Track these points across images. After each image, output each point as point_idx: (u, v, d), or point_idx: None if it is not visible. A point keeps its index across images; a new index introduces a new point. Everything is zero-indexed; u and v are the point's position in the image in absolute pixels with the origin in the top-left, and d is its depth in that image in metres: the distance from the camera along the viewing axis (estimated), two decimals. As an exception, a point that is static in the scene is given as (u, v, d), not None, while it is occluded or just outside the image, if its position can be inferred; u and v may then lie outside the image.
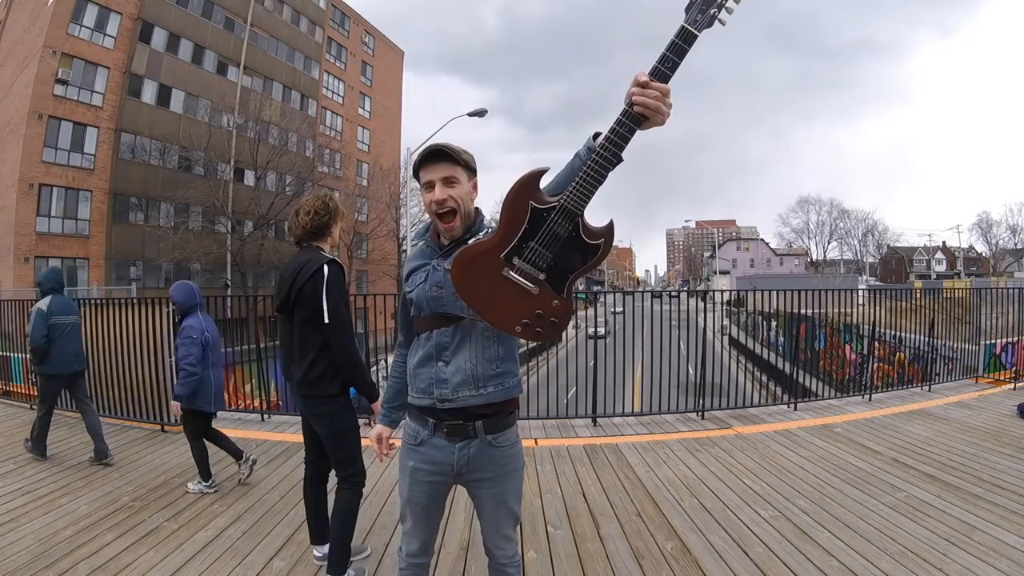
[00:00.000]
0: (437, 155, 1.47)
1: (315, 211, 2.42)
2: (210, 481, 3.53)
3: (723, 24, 1.20)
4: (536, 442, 4.49)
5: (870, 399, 5.83)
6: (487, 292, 1.34)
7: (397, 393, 1.73)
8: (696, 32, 1.18)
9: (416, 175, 1.53)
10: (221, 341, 3.88)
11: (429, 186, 1.48)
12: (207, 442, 3.65)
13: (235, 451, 3.67)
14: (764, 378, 15.88)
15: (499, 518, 1.62)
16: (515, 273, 1.32)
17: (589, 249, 1.31)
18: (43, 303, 4.18)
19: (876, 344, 7.66)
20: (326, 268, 2.30)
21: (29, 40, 20.61)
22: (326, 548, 2.48)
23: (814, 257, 55.85)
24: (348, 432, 2.42)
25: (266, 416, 5.36)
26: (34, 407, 5.65)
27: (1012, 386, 6.29)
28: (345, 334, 2.31)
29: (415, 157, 1.53)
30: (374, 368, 6.50)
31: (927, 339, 6.76)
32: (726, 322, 23.69)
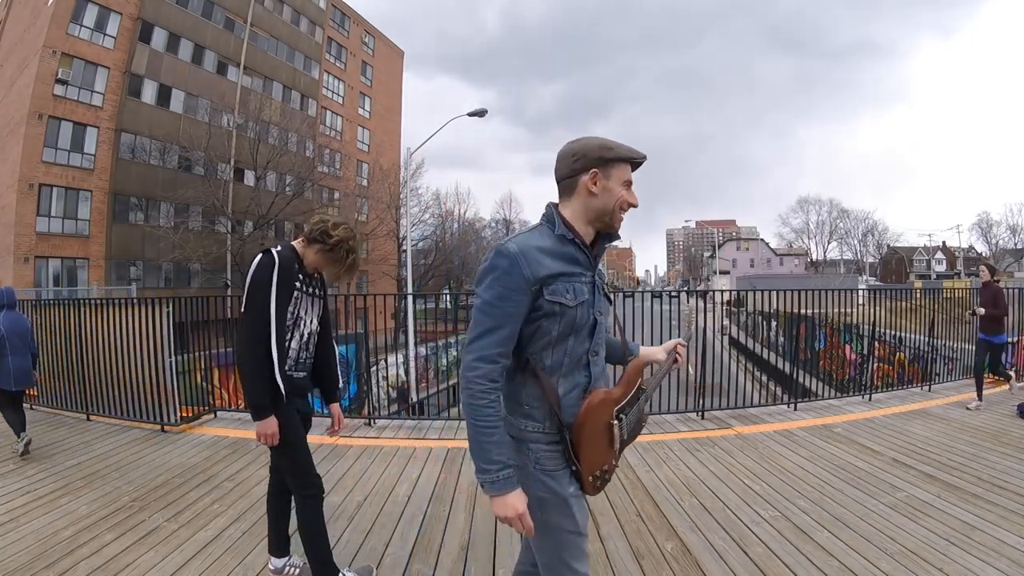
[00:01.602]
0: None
1: (327, 228, 2.22)
2: (22, 435, 4.28)
3: None
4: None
5: (870, 399, 5.83)
6: (599, 433, 1.42)
7: (509, 441, 1.40)
8: None
9: (606, 162, 1.40)
10: (29, 333, 4.63)
11: (628, 185, 1.44)
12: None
13: (22, 425, 4.35)
14: (764, 378, 15.89)
15: None
16: (617, 428, 1.43)
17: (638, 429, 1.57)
18: None
19: (876, 344, 7.66)
20: (257, 257, 2.16)
21: (29, 40, 20.60)
22: (281, 562, 2.43)
23: (814, 257, 55.89)
24: (286, 445, 2.20)
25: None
26: (34, 407, 5.67)
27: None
28: (243, 332, 2.11)
29: (624, 154, 1.43)
30: (373, 368, 6.47)
31: (927, 339, 6.76)
32: (726, 322, 23.71)
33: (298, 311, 2.25)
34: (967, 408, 5.35)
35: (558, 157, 1.46)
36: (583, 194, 1.42)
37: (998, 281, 5.91)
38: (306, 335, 2.31)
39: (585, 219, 1.43)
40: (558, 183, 1.47)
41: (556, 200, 1.49)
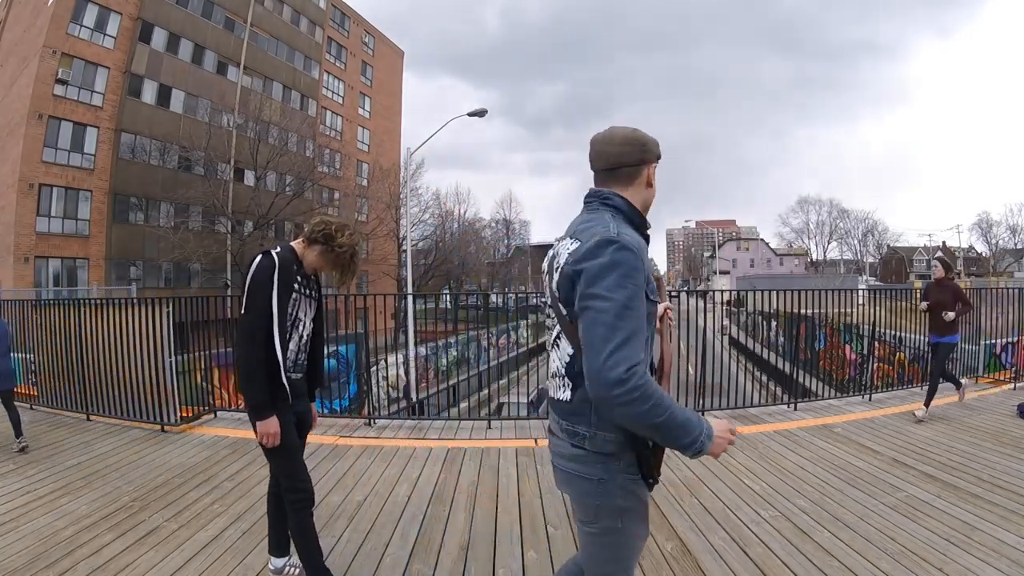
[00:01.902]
0: None
1: (330, 231, 2.22)
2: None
3: None
4: (536, 442, 4.48)
5: (870, 399, 5.83)
6: None
7: None
8: None
9: (657, 158, 1.44)
10: (6, 336, 4.70)
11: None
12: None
13: (17, 428, 4.44)
14: (764, 378, 15.90)
15: None
16: None
17: None
18: None
19: (876, 344, 7.66)
20: (257, 259, 2.15)
21: (29, 40, 20.60)
22: (281, 562, 2.43)
23: (814, 257, 55.86)
24: (282, 448, 2.22)
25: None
26: (34, 407, 5.67)
27: (1012, 386, 6.29)
28: (244, 334, 2.11)
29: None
30: (373, 368, 6.47)
31: (927, 339, 6.75)
32: (726, 322, 23.73)
33: (297, 312, 2.25)
34: (914, 414, 5.05)
35: (617, 141, 1.39)
36: (643, 185, 1.39)
37: (952, 278, 5.42)
38: (304, 336, 2.31)
39: (641, 211, 1.41)
40: (615, 169, 1.38)
41: (586, 192, 1.43)
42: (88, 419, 5.29)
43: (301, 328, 2.28)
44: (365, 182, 33.29)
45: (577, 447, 1.36)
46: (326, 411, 7.12)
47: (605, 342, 1.17)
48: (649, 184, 1.40)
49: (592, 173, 1.45)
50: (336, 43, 33.77)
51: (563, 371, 1.38)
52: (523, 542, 2.81)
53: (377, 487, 3.57)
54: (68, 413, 5.46)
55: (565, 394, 1.38)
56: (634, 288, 1.21)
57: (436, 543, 2.81)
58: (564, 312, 1.33)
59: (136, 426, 5.04)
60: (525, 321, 26.53)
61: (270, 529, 2.45)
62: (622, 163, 1.38)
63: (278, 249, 2.20)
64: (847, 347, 11.16)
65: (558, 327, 1.39)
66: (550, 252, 1.44)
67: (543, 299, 1.51)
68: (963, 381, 5.62)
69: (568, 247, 1.32)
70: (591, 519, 1.37)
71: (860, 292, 10.34)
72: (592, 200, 1.40)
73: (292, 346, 2.24)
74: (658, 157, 1.42)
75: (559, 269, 1.33)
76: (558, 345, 1.40)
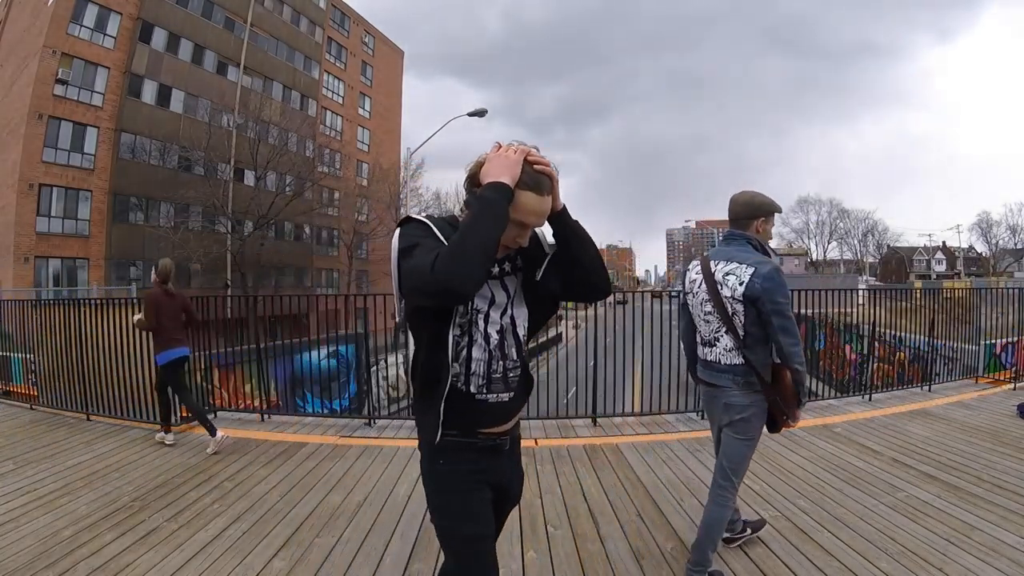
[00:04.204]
0: None
1: (469, 174, 1.41)
2: None
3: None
4: (536, 442, 4.48)
5: (870, 399, 5.82)
6: None
7: None
8: None
9: None
10: None
11: None
12: None
13: None
14: (764, 378, 15.84)
15: None
16: None
17: None
18: None
19: (876, 344, 7.65)
20: (398, 230, 1.37)
21: (29, 40, 20.60)
22: None
23: (814, 257, 55.83)
24: (429, 497, 1.49)
25: (266, 416, 5.36)
26: (34, 407, 5.68)
27: (1012, 386, 6.29)
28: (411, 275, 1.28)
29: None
30: (373, 368, 6.46)
31: (927, 339, 6.75)
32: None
33: (472, 302, 1.40)
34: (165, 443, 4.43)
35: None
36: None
37: (165, 284, 4.75)
38: (495, 336, 1.44)
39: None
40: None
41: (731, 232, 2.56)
42: (88, 419, 5.29)
43: (486, 325, 1.43)
44: (365, 182, 33.30)
45: (744, 388, 2.28)
46: (326, 411, 7.12)
47: (796, 336, 2.21)
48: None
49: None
50: (336, 43, 33.78)
51: (735, 346, 2.27)
52: (523, 542, 2.81)
53: (377, 487, 3.57)
54: (68, 413, 5.46)
55: (739, 359, 2.27)
56: None
57: (436, 543, 2.81)
58: (752, 310, 2.24)
59: (136, 426, 5.04)
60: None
61: None
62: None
63: (426, 214, 1.49)
64: (847, 347, 11.15)
65: (723, 322, 2.29)
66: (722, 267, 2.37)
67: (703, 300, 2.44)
68: (219, 435, 4.29)
69: (746, 272, 2.26)
70: (745, 429, 2.30)
71: (860, 292, 10.33)
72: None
73: (476, 354, 1.42)
74: None
75: (744, 284, 2.23)
76: (728, 332, 2.29)
